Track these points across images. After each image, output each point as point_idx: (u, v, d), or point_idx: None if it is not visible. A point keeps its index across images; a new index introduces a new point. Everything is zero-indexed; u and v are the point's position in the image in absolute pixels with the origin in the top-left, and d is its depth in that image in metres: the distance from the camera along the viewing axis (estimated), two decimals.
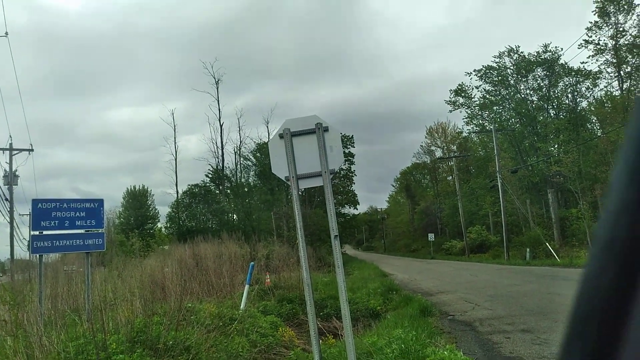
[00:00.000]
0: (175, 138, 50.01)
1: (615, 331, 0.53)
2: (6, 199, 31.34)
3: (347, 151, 52.69)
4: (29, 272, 14.16)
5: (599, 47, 41.33)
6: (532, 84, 47.59)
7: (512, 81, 48.41)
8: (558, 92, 46.92)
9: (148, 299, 8.33)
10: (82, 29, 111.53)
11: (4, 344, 6.62)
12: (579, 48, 42.08)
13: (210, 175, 50.11)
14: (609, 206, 0.57)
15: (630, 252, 0.54)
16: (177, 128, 50.77)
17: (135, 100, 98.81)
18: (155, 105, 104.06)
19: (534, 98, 48.04)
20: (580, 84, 45.13)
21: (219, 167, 50.04)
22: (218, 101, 50.38)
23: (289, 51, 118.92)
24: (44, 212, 8.74)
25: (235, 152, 50.69)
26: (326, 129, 5.95)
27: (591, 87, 44.52)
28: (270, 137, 6.32)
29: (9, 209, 31.71)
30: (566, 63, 44.75)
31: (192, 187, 46.57)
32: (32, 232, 8.77)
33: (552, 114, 47.12)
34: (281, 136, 6.03)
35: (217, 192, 48.89)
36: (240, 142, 50.53)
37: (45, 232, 8.75)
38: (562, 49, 47.73)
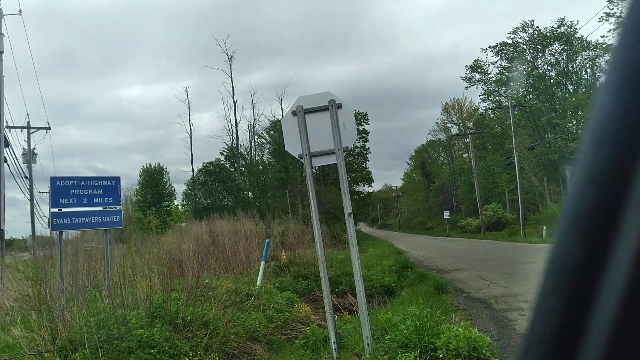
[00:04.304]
0: (189, 115, 50.09)
1: (580, 311, 0.51)
2: (26, 177, 31.88)
3: (361, 128, 52.25)
4: (50, 249, 14.45)
5: (621, 19, 40.08)
6: (550, 59, 46.56)
7: (528, 57, 47.38)
8: (577, 67, 45.86)
9: (166, 275, 8.47)
10: (90, 6, 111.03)
11: (29, 318, 6.82)
12: (599, 21, 40.89)
13: (225, 153, 50.31)
14: (575, 177, 0.55)
15: (596, 227, 0.51)
16: (190, 106, 50.58)
17: (147, 78, 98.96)
18: (167, 83, 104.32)
19: (552, 73, 47.04)
20: (599, 58, 44.02)
21: (233, 145, 50.17)
22: (231, 78, 50.05)
23: (301, 27, 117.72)
24: (63, 189, 8.89)
25: (249, 130, 50.70)
26: (339, 106, 5.90)
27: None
28: (283, 115, 6.29)
29: (28, 187, 32.29)
30: (583, 37, 43.63)
31: (207, 164, 46.86)
32: (51, 210, 8.91)
33: (570, 90, 46.17)
34: (294, 113, 6.00)
35: (232, 170, 49.11)
36: (254, 119, 50.45)
37: (64, 210, 8.90)
38: (578, 22, 46.51)
